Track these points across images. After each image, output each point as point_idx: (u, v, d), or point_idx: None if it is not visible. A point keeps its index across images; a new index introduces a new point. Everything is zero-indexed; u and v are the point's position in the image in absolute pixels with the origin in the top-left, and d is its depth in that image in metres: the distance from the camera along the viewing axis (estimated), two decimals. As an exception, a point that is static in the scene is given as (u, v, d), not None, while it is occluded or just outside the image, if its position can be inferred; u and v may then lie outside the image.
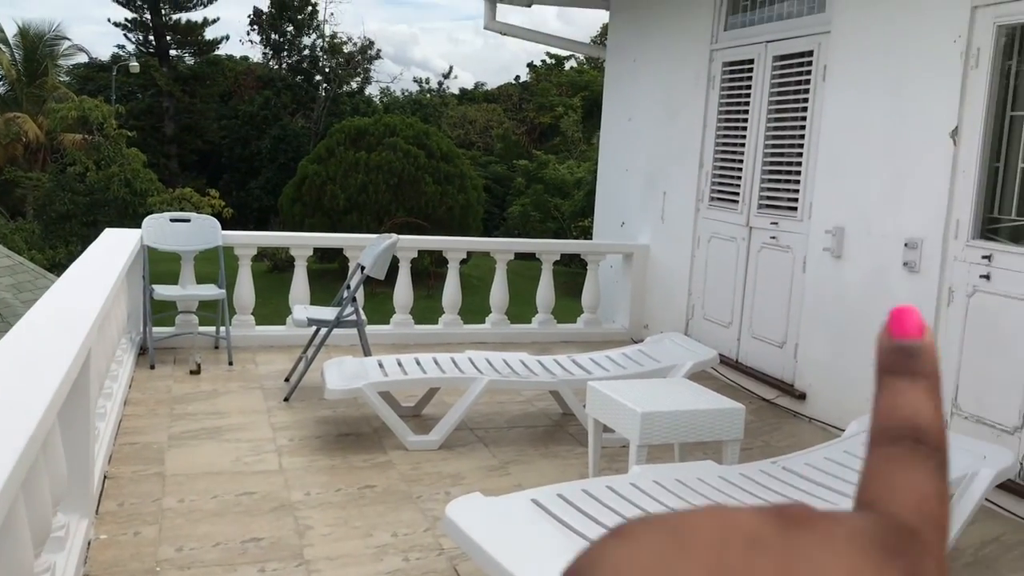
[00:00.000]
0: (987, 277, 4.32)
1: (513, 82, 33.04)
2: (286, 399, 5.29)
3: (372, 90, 32.02)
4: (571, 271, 15.39)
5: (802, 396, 5.52)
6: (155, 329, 6.14)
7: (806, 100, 5.64)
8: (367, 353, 5.50)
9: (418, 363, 4.90)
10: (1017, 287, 4.16)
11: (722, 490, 3.32)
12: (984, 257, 4.34)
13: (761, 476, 3.49)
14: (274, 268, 17.31)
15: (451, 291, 6.94)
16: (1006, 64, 4.35)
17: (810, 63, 5.60)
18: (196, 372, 5.74)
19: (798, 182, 5.72)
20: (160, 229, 6.28)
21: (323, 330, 5.54)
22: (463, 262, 7.27)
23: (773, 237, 5.94)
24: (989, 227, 4.45)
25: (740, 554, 0.24)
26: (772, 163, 6.02)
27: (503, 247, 7.20)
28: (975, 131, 4.38)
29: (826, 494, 3.32)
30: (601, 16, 8.58)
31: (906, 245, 4.73)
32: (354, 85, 30.56)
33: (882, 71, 4.95)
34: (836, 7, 5.35)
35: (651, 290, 7.35)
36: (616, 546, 0.25)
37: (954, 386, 4.48)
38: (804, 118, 5.66)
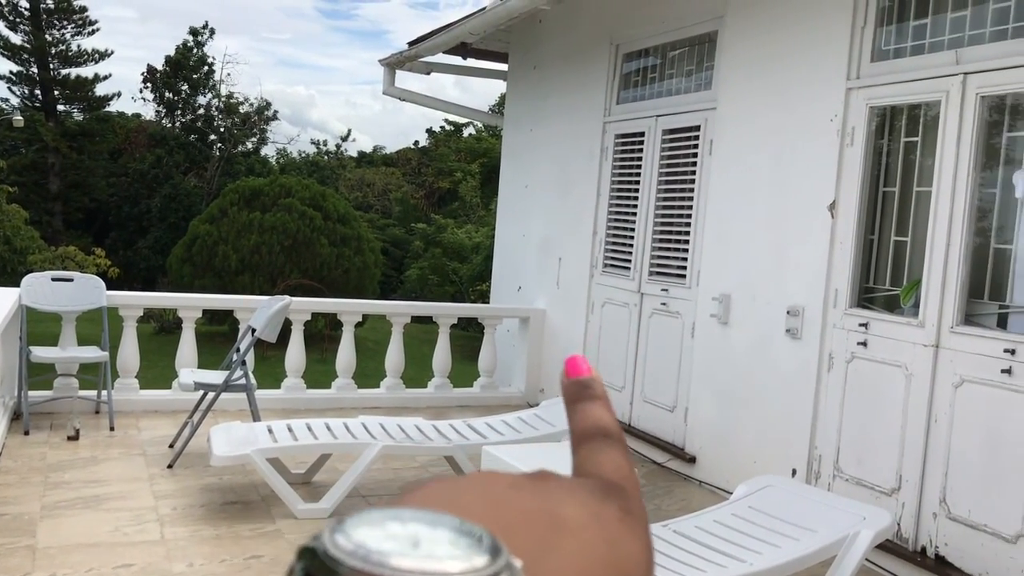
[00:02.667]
0: (864, 344, 4.52)
1: (412, 146, 33.27)
2: (170, 466, 5.09)
3: (268, 151, 31.74)
4: (469, 335, 15.41)
5: (692, 459, 5.62)
6: (31, 393, 5.85)
7: (694, 172, 5.86)
8: (256, 418, 5.36)
9: (309, 428, 4.80)
10: (891, 353, 4.37)
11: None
12: (861, 324, 4.55)
13: (654, 540, 3.51)
14: (161, 330, 16.77)
15: (345, 354, 6.85)
16: (879, 142, 4.63)
17: (698, 137, 5.84)
18: (74, 438, 5.48)
19: (687, 250, 5.91)
20: (40, 288, 6.02)
21: (210, 394, 5.38)
22: (359, 325, 7.20)
23: (664, 303, 6.10)
24: (865, 296, 4.67)
25: (503, 490, 0.33)
26: (662, 232, 6.21)
27: (399, 310, 7.17)
28: (851, 205, 4.63)
29: (716, 556, 3.37)
30: (499, 85, 8.77)
31: (788, 312, 4.92)
32: (250, 145, 30.24)
33: (765, 146, 5.19)
34: (721, 85, 5.61)
35: (547, 354, 7.42)
36: (408, 495, 0.32)
37: (835, 449, 4.64)
38: (692, 189, 5.87)
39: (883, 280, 4.62)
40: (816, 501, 3.93)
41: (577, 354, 0.43)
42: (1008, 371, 3.83)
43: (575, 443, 0.40)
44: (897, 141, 4.56)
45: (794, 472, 4.84)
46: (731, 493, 4.38)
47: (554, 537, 0.31)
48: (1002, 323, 4.04)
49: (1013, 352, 3.82)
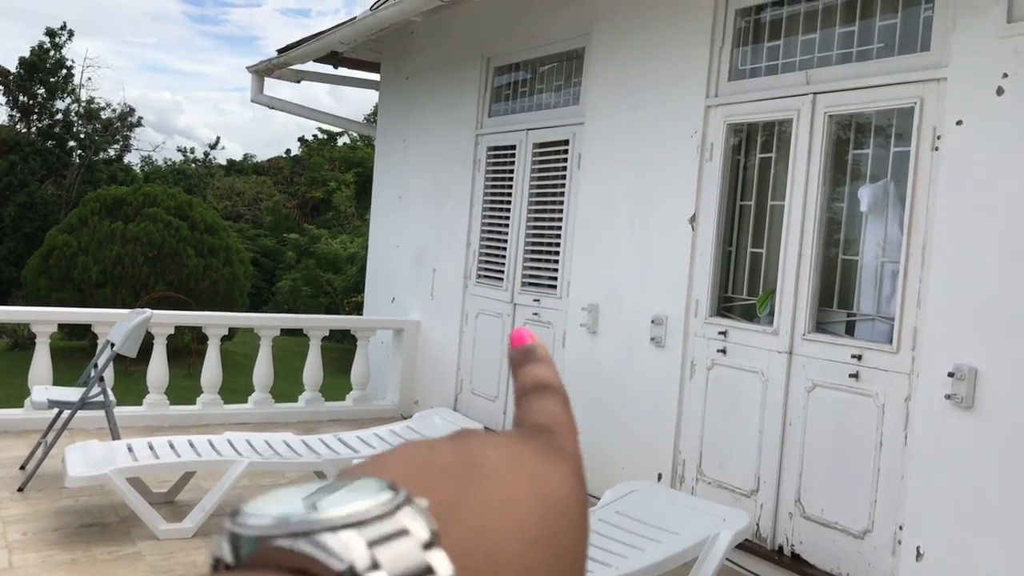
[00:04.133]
0: (723, 351, 4.70)
1: (284, 155, 32.62)
2: (20, 489, 4.83)
3: (132, 158, 30.54)
4: (344, 347, 15.19)
5: (564, 467, 5.70)
6: None
7: (564, 185, 5.98)
8: (115, 436, 5.14)
9: (171, 446, 4.64)
10: (749, 360, 4.56)
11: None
12: (720, 333, 4.73)
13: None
14: (15, 346, 15.88)
15: (211, 369, 6.65)
16: (736, 158, 4.83)
17: (567, 151, 5.96)
18: (-88, 463, 5.13)
19: (557, 261, 6.01)
20: None
21: (65, 412, 5.13)
22: (227, 339, 7.00)
23: (536, 313, 6.18)
24: (724, 305, 4.86)
25: (423, 452, 0.34)
26: (534, 243, 6.30)
27: (267, 323, 7.02)
28: (710, 218, 4.81)
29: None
30: (374, 95, 8.72)
31: (653, 321, 5.07)
32: (112, 152, 29.02)
33: (630, 160, 5.34)
34: (589, 101, 5.74)
35: (421, 366, 7.40)
36: (347, 470, 0.34)
37: (698, 453, 4.80)
38: (562, 202, 5.98)
39: (741, 290, 4.81)
40: (680, 504, 4.06)
41: (522, 327, 0.45)
42: (855, 376, 4.05)
43: (517, 400, 0.41)
44: (753, 157, 4.78)
45: (660, 476, 4.98)
46: (599, 499, 4.47)
47: (472, 482, 0.32)
48: (850, 330, 4.28)
49: (860, 358, 4.05)
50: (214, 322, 6.81)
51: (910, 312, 3.84)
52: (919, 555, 3.70)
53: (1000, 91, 3.49)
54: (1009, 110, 3.46)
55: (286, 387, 7.74)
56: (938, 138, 3.74)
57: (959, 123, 3.64)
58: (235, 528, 0.27)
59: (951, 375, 3.58)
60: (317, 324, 7.25)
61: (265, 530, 0.26)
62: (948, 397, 3.59)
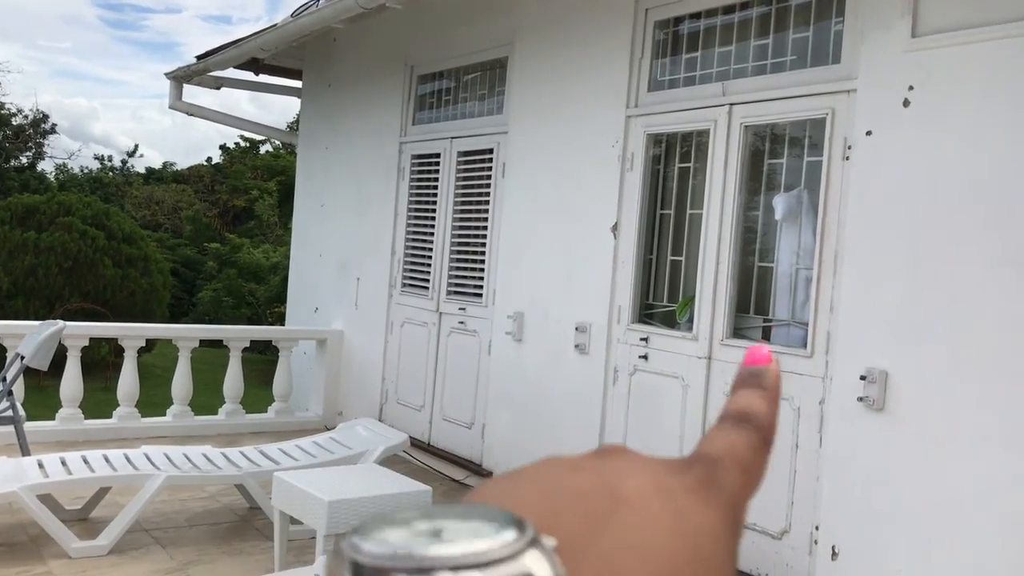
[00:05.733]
0: (645, 357, 4.77)
1: (205, 163, 31.99)
2: (-77, 510, 4.62)
3: (46, 166, 29.61)
4: (267, 358, 14.93)
5: (489, 475, 5.71)
6: None
7: (488, 194, 5.99)
8: (25, 452, 4.97)
9: (85, 461, 4.50)
10: (669, 365, 4.63)
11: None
12: (642, 339, 4.79)
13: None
14: (-82, 360, 15.21)
15: (127, 382, 6.48)
16: (656, 168, 4.91)
17: (491, 160, 5.98)
18: None
19: (483, 270, 6.02)
20: None
21: (-27, 429, 4.94)
22: (145, 351, 6.83)
23: (461, 322, 6.18)
24: (646, 312, 4.93)
25: (562, 472, 0.31)
26: (459, 251, 6.30)
27: (185, 334, 6.87)
28: (632, 227, 4.88)
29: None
30: (297, 102, 8.63)
31: (577, 329, 5.12)
32: (24, 160, 28.09)
33: (553, 170, 5.38)
34: (512, 110, 5.77)
35: (346, 376, 7.33)
36: (475, 492, 0.32)
37: (622, 459, 4.85)
38: (487, 210, 6.00)
39: (661, 297, 4.89)
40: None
41: (762, 344, 0.41)
42: (772, 380, 4.14)
43: (716, 423, 0.38)
44: (673, 166, 4.86)
45: (584, 483, 5.01)
46: (524, 506, 4.47)
47: (609, 513, 0.29)
48: (766, 335, 4.38)
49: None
50: (130, 333, 6.63)
51: (823, 317, 3.95)
52: (834, 554, 3.79)
53: (906, 103, 3.62)
54: (914, 121, 3.59)
55: (207, 400, 7.58)
56: (849, 148, 3.86)
57: (868, 133, 3.76)
58: (357, 556, 0.26)
59: (863, 378, 3.69)
60: (237, 335, 7.12)
61: (385, 560, 0.25)
62: (860, 399, 3.70)
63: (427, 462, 6.21)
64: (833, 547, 3.80)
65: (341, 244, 7.55)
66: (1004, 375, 3.25)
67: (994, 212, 3.32)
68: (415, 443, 6.10)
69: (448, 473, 6.03)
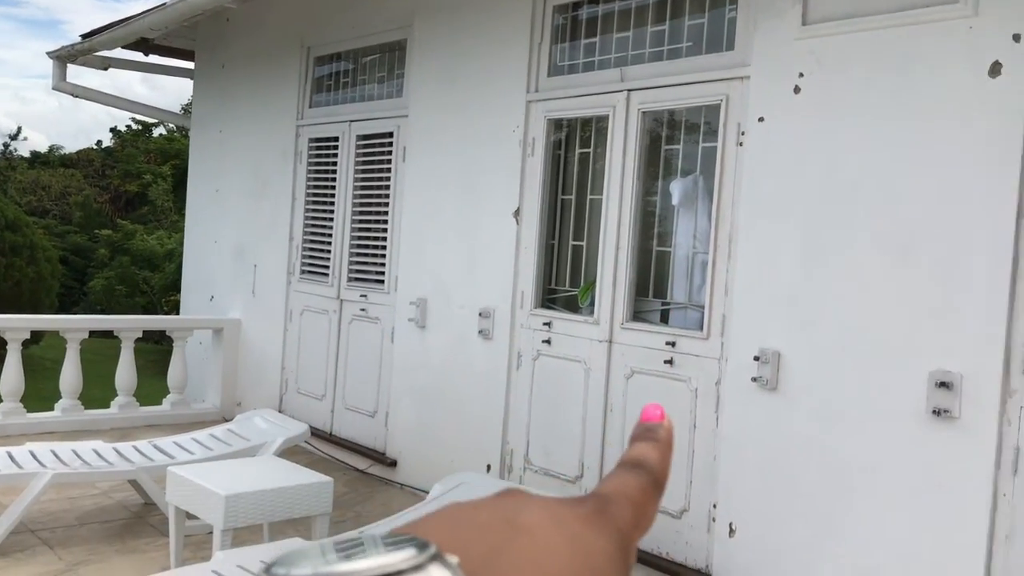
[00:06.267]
0: (548, 342, 4.79)
1: (95, 147, 30.76)
2: None
3: (-80, 149, 28.04)
4: (163, 348, 14.48)
5: (393, 463, 5.67)
6: None
7: (389, 178, 5.92)
8: (-101, 454, 4.69)
9: (-35, 461, 4.28)
10: (572, 349, 4.66)
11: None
12: (545, 324, 4.81)
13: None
14: None
15: (11, 376, 6.18)
16: (557, 153, 4.92)
17: (391, 144, 5.90)
18: None
19: (384, 256, 5.95)
20: None
21: None
22: (33, 343, 6.53)
23: (363, 309, 6.10)
24: (549, 297, 4.95)
25: (466, 511, 0.34)
26: (360, 237, 6.21)
27: (72, 325, 6.59)
28: (533, 212, 4.88)
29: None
30: (191, 84, 8.35)
31: (480, 315, 5.11)
32: None
33: (455, 154, 5.35)
34: (412, 93, 5.70)
35: (244, 366, 7.15)
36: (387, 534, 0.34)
37: (525, 443, 4.88)
38: (388, 195, 5.92)
39: (564, 282, 4.92)
40: (507, 495, 4.10)
41: (655, 403, 0.45)
42: (670, 362, 4.22)
43: (613, 470, 0.41)
44: (574, 152, 4.88)
45: (489, 467, 5.02)
46: (428, 494, 4.46)
47: (508, 540, 0.32)
48: (665, 318, 4.45)
49: (674, 344, 4.21)
50: (13, 325, 6.32)
51: (719, 300, 4.03)
52: (732, 531, 3.89)
53: (797, 90, 3.71)
54: (805, 108, 3.69)
55: (100, 393, 7.31)
56: (742, 134, 3.94)
57: (761, 120, 3.84)
58: None
59: (756, 359, 3.78)
60: (128, 325, 6.87)
61: None
62: (754, 380, 3.79)
63: (329, 452, 6.12)
64: (730, 524, 3.90)
65: (237, 230, 7.35)
66: (889, 354, 3.38)
67: (880, 197, 3.44)
68: (317, 433, 6.01)
69: (351, 463, 5.96)
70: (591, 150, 4.77)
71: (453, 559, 0.29)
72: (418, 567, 0.28)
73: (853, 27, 3.53)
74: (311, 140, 6.61)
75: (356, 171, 6.20)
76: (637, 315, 4.48)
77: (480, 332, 5.12)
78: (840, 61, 3.58)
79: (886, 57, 3.44)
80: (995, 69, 3.14)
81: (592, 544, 0.34)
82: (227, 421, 5.93)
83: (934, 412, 3.22)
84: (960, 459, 3.19)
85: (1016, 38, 3.10)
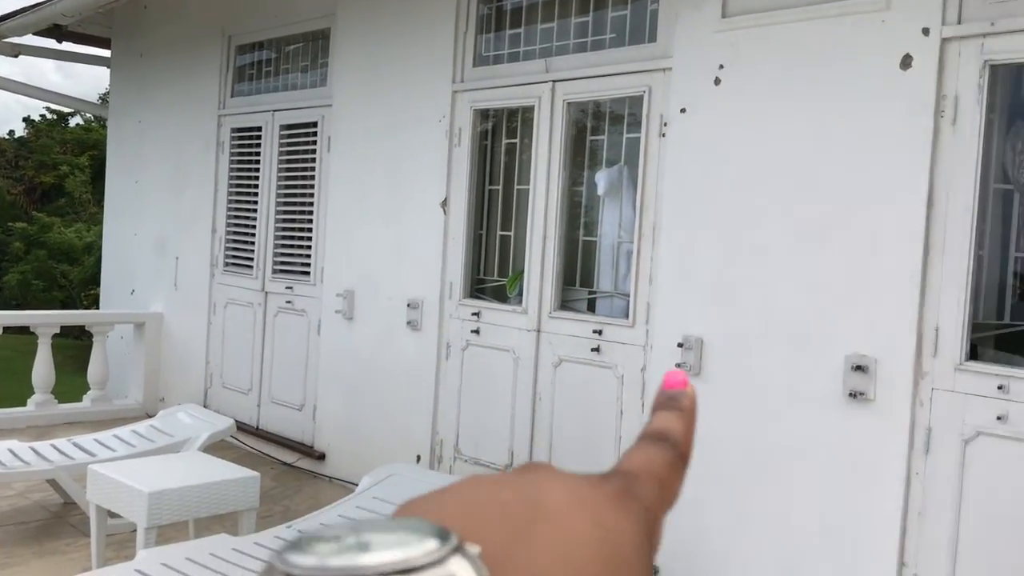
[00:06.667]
0: (477, 332, 4.80)
1: (7, 136, 29.68)
2: None
3: None
4: (83, 344, 14.09)
5: (322, 456, 5.62)
6: None
7: (314, 169, 5.85)
8: None
9: None
10: (501, 339, 4.68)
11: (237, 563, 3.24)
12: (474, 314, 4.82)
13: (276, 543, 3.46)
14: None
15: (-79, 375, 5.95)
16: (483, 143, 4.93)
17: (316, 133, 5.83)
18: None
19: (310, 247, 5.88)
20: None
21: None
22: (-63, 341, 6.29)
23: (289, 301, 6.02)
24: (477, 287, 4.96)
25: (486, 487, 0.33)
26: (285, 229, 6.13)
27: (-12, 321, 6.37)
28: (461, 202, 4.88)
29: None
30: (108, 72, 8.12)
31: (409, 305, 5.09)
32: None
33: (381, 144, 5.31)
34: (337, 83, 5.64)
35: (167, 361, 7.01)
36: (401, 507, 0.33)
37: (455, 433, 4.88)
38: (313, 186, 5.85)
39: (492, 272, 4.93)
40: (437, 485, 4.10)
41: (679, 370, 0.42)
42: (597, 349, 4.27)
43: (635, 441, 0.39)
44: (500, 142, 4.89)
45: (419, 458, 5.02)
46: (358, 486, 4.43)
47: (531, 524, 0.30)
48: (592, 307, 4.50)
49: (600, 332, 4.26)
50: (-79, 323, 6.10)
51: (643, 289, 4.09)
52: (658, 514, 3.95)
53: (717, 81, 3.78)
54: (725, 99, 3.76)
55: (16, 390, 7.09)
56: (665, 125, 3.99)
57: (683, 111, 3.90)
58: (289, 570, 0.27)
59: (680, 345, 3.85)
60: (45, 321, 6.67)
61: (316, 572, 0.26)
62: (678, 366, 3.85)
63: (256, 446, 6.04)
64: (657, 508, 3.96)
65: (158, 222, 7.19)
66: (806, 338, 3.47)
67: (797, 186, 3.52)
68: (243, 427, 5.93)
69: (279, 456, 5.90)
70: (517, 140, 4.79)
71: (474, 549, 0.28)
72: (439, 561, 0.26)
73: (771, 20, 3.61)
74: (233, 130, 6.49)
75: (280, 161, 6.11)
76: (565, 304, 4.52)
77: (409, 323, 5.10)
78: (758, 53, 3.65)
79: (802, 49, 3.52)
80: (906, 62, 3.25)
81: (618, 529, 0.32)
82: (150, 417, 5.80)
83: (850, 395, 3.33)
84: (875, 440, 3.30)
85: (925, 32, 3.20)
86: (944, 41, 3.18)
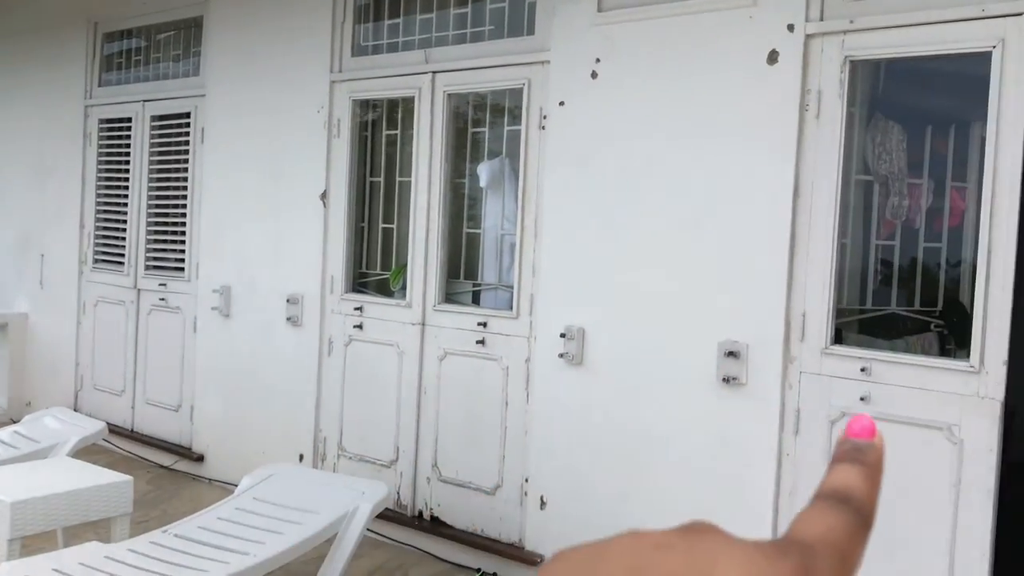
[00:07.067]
0: (360, 327, 4.74)
1: None
2: None
3: None
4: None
5: (200, 458, 5.45)
6: None
7: (187, 161, 5.65)
8: None
9: None
10: (385, 334, 4.64)
11: (109, 571, 3.11)
12: (356, 308, 4.76)
13: (151, 548, 3.34)
14: None
15: None
16: (364, 135, 4.86)
17: (189, 124, 5.64)
18: None
19: (184, 242, 5.69)
20: None
21: None
22: None
23: (163, 299, 5.82)
24: (360, 281, 4.90)
25: (650, 554, 0.30)
26: (157, 223, 5.91)
27: None
28: (341, 194, 4.80)
29: (218, 554, 3.30)
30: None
31: (288, 301, 4.98)
32: None
33: (257, 136, 5.17)
34: (209, 72, 5.47)
35: (33, 363, 6.67)
36: (550, 564, 0.31)
37: (339, 430, 4.81)
38: (187, 179, 5.66)
39: (375, 265, 4.87)
40: (320, 483, 4.05)
41: (865, 415, 0.38)
42: (482, 342, 4.27)
43: (812, 500, 0.36)
44: (380, 133, 4.84)
45: (301, 457, 4.92)
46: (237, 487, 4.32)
47: None
48: (476, 299, 4.50)
49: (485, 325, 4.27)
50: None
51: (527, 280, 4.12)
52: (543, 503, 4.00)
53: (594, 75, 3.83)
54: (601, 93, 3.81)
55: None
56: (544, 118, 4.02)
57: (562, 104, 3.94)
58: None
59: (563, 336, 3.89)
60: None
61: None
62: (561, 356, 3.90)
63: (131, 450, 5.82)
64: (541, 497, 4.01)
65: (20, 217, 6.83)
66: (682, 326, 3.56)
67: (673, 178, 3.61)
68: (116, 430, 5.70)
69: (155, 459, 5.70)
70: (399, 132, 4.74)
71: None
72: None
73: (645, 14, 3.68)
74: (102, 121, 6.21)
75: (152, 153, 5.88)
76: (449, 297, 4.51)
77: (289, 319, 4.99)
78: (633, 47, 3.72)
79: (675, 44, 3.60)
80: (772, 57, 3.36)
81: None
82: (15, 423, 5.51)
83: (724, 380, 3.44)
84: (748, 423, 3.41)
85: (791, 28, 3.32)
86: (808, 37, 3.30)
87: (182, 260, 5.70)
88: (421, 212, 4.50)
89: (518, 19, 4.23)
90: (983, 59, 2.99)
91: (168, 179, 5.83)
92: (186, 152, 5.66)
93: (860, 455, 0.37)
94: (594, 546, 0.32)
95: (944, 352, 3.30)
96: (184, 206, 5.68)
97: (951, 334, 3.35)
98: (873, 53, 3.23)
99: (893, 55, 3.21)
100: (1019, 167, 2.92)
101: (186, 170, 5.66)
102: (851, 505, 0.35)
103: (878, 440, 0.38)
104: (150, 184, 5.89)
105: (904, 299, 3.42)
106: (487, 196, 4.44)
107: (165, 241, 5.87)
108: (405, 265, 4.61)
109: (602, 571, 0.30)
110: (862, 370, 3.20)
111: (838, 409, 3.25)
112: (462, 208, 4.54)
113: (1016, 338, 2.96)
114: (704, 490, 3.51)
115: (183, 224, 5.70)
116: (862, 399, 3.19)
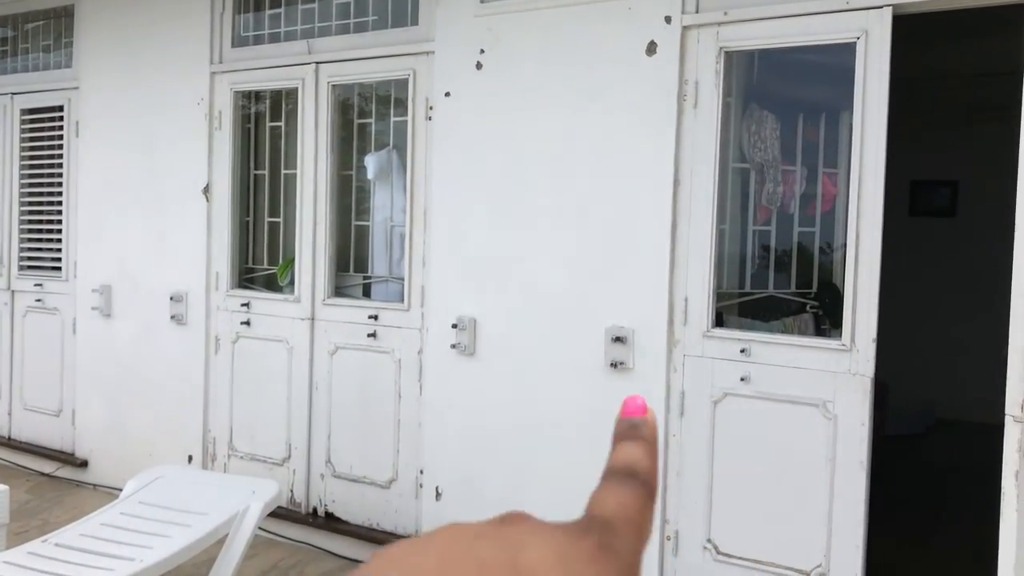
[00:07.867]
0: (248, 323, 4.64)
1: None
2: None
3: None
4: None
5: (84, 464, 5.26)
6: None
7: (62, 156, 5.43)
8: None
9: None
10: (273, 329, 4.55)
11: (-17, 586, 2.98)
12: (243, 305, 4.66)
13: (30, 559, 3.22)
14: None
15: None
16: (247, 127, 4.76)
17: (62, 118, 5.41)
18: None
19: (60, 240, 5.46)
20: None
21: None
22: None
23: (39, 300, 5.57)
24: (246, 277, 4.80)
25: (467, 542, 0.32)
26: (31, 221, 5.66)
27: None
28: (225, 188, 4.69)
29: (103, 561, 3.20)
30: None
31: (172, 299, 4.84)
32: None
33: (134, 129, 5.00)
34: (83, 64, 5.26)
35: None
36: (369, 563, 0.32)
37: (229, 429, 4.71)
38: (61, 174, 5.43)
39: (262, 260, 4.78)
40: (209, 484, 3.96)
41: (638, 395, 0.41)
42: (374, 335, 4.24)
43: (601, 479, 0.39)
44: (264, 125, 4.74)
45: (190, 458, 4.80)
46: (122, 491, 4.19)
47: None
48: (367, 292, 4.47)
49: (376, 318, 4.24)
50: None
51: (417, 272, 4.11)
52: (438, 495, 4.01)
53: (479, 66, 3.84)
54: (486, 84, 3.83)
55: None
56: (430, 108, 4.01)
57: (447, 95, 3.94)
58: None
59: (455, 327, 3.90)
60: None
61: None
62: (453, 347, 3.91)
63: (9, 458, 5.57)
64: (437, 488, 4.01)
65: None
66: (570, 314, 3.62)
67: (556, 167, 3.65)
68: (-8, 439, 5.45)
69: (35, 467, 5.47)
70: (283, 124, 4.65)
71: None
72: None
73: (528, 5, 3.70)
74: (-34, 114, 5.90)
75: (22, 148, 5.63)
76: (339, 290, 4.46)
77: (173, 317, 4.85)
78: (517, 38, 3.74)
79: (557, 35, 3.64)
80: (651, 48, 3.43)
81: None
82: None
83: (611, 365, 3.50)
84: (636, 406, 3.48)
85: (668, 20, 3.40)
86: (685, 29, 3.39)
87: (59, 259, 5.48)
88: (308, 205, 4.43)
89: (402, 9, 4.20)
90: (849, 50, 3.13)
91: (41, 175, 5.58)
92: (60, 146, 5.43)
93: (637, 432, 0.40)
94: (414, 541, 0.34)
95: (819, 332, 3.43)
96: (59, 203, 5.45)
97: (825, 315, 3.49)
98: (746, 44, 3.33)
99: (765, 46, 3.33)
100: (883, 154, 3.06)
101: (61, 165, 5.43)
102: (638, 479, 0.38)
103: (650, 416, 0.41)
104: (22, 181, 5.63)
105: (781, 282, 3.55)
106: (376, 188, 4.41)
107: (40, 240, 5.63)
108: (293, 259, 4.54)
109: (417, 563, 0.32)
110: (742, 351, 3.31)
111: (720, 390, 3.36)
112: (351, 200, 4.49)
113: (884, 317, 3.11)
114: (596, 475, 3.57)
115: (59, 222, 5.47)
116: (742, 379, 3.30)
